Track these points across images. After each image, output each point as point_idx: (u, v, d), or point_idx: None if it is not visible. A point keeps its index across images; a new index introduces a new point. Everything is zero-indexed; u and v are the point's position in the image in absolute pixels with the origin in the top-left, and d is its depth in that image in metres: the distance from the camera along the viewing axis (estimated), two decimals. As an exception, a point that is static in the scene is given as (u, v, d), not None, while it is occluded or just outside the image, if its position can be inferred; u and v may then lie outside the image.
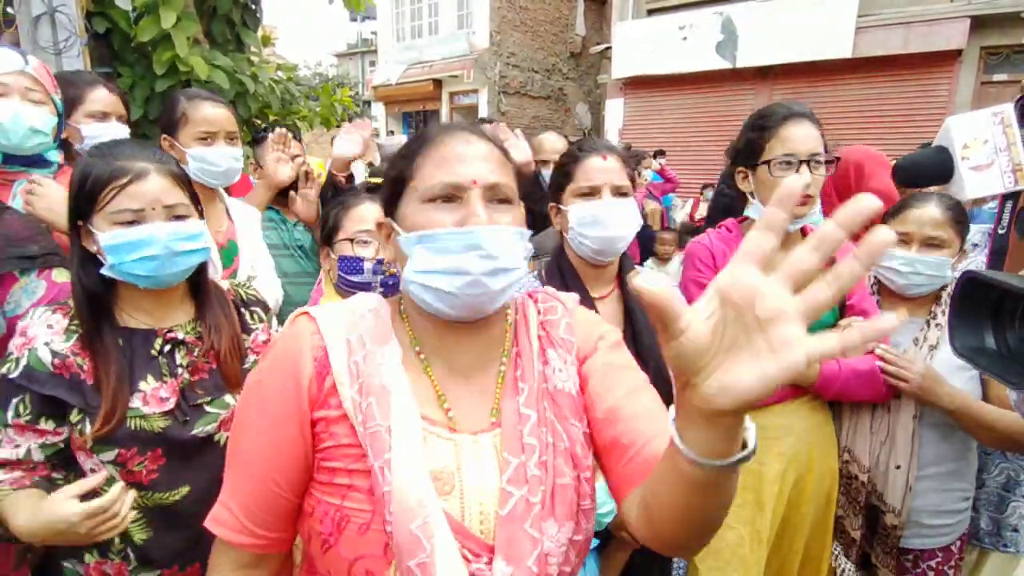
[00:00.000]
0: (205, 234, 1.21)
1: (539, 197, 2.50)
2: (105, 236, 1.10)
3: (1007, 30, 8.84)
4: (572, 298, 0.97)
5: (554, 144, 2.63)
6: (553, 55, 16.64)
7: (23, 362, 1.09)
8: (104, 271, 1.13)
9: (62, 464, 1.18)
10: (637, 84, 12.39)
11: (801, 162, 1.44)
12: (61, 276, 1.43)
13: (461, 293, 0.78)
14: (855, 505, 1.63)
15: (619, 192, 1.41)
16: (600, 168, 1.41)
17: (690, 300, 1.54)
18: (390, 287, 1.46)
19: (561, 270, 1.46)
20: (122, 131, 1.97)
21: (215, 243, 1.91)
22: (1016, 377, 0.82)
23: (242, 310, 1.35)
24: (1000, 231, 1.57)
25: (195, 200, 1.23)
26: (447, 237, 0.78)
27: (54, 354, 1.11)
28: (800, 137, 1.46)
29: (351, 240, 1.48)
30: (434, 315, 0.83)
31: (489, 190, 0.81)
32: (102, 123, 1.91)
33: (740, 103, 10.51)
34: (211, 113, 1.85)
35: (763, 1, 10.54)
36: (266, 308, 1.41)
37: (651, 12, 12.09)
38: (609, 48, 12.85)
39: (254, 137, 2.51)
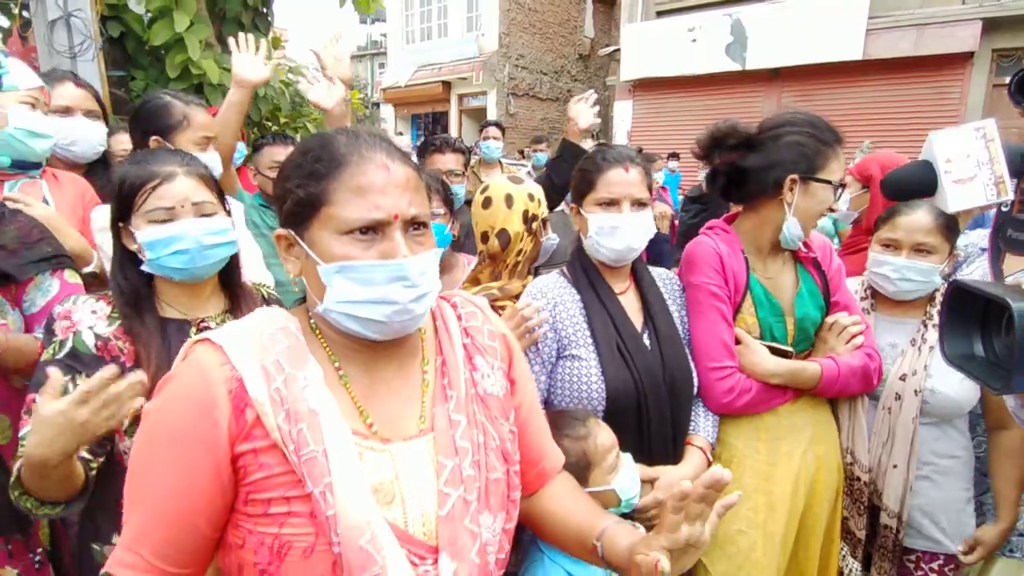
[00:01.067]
0: (230, 230, 1.29)
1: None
2: (143, 234, 1.20)
3: (1019, 32, 8.78)
4: (484, 302, 1.02)
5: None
6: (562, 57, 16.66)
7: (68, 344, 1.17)
8: (145, 267, 1.22)
9: (95, 447, 1.19)
10: (646, 86, 12.38)
11: (837, 186, 1.51)
12: (73, 277, 1.48)
13: (390, 321, 0.81)
14: (858, 505, 1.64)
15: (638, 203, 1.45)
16: (622, 181, 1.43)
17: (695, 305, 1.54)
18: None
19: (584, 268, 1.51)
20: (88, 126, 2.00)
21: None
22: (999, 382, 0.83)
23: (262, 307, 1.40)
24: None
25: (221, 199, 1.32)
26: (372, 269, 0.78)
27: (97, 337, 1.18)
28: (842, 166, 1.52)
29: None
30: (358, 337, 0.84)
31: (408, 221, 0.81)
32: (66, 118, 1.95)
33: (749, 105, 10.48)
34: (207, 120, 1.90)
35: (773, 3, 10.51)
36: (282, 306, 1.44)
37: (660, 14, 12.08)
38: (618, 50, 12.85)
39: (254, 146, 2.55)
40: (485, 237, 1.61)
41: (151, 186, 1.20)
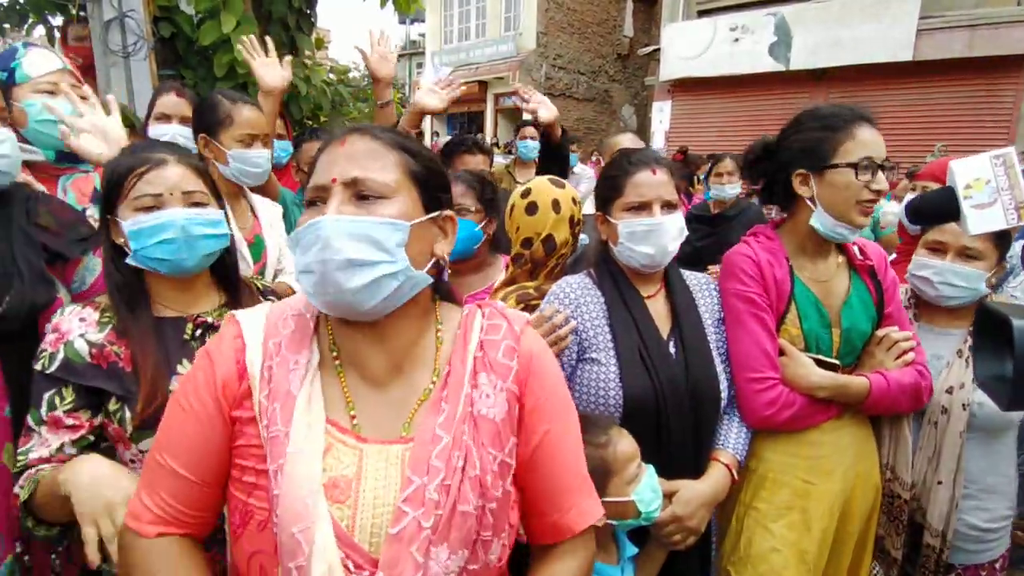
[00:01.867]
0: (223, 222, 1.24)
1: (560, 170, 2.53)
2: (128, 223, 1.14)
3: (1084, 32, 8.33)
4: (521, 319, 0.93)
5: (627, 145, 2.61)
6: (600, 57, 16.54)
7: (60, 356, 1.12)
8: (129, 260, 1.17)
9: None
10: (685, 86, 12.20)
11: (878, 166, 1.39)
12: None
13: (317, 292, 0.79)
14: (897, 524, 1.57)
15: (668, 205, 1.41)
16: (650, 183, 1.40)
17: (733, 315, 1.48)
18: None
19: (610, 271, 1.47)
20: (177, 131, 2.09)
21: (244, 239, 2.00)
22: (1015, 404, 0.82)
23: (260, 300, 1.38)
24: None
25: (216, 193, 1.26)
26: (299, 234, 0.79)
27: (90, 344, 1.14)
28: (875, 140, 1.40)
29: None
30: (335, 316, 0.85)
31: (351, 185, 0.78)
32: (162, 124, 2.08)
33: (792, 107, 10.10)
34: (252, 116, 1.93)
35: (819, 2, 10.22)
36: (279, 297, 1.44)
37: (702, 13, 11.88)
38: (657, 50, 12.69)
39: (297, 140, 2.60)
40: (528, 242, 1.59)
41: (140, 171, 1.15)
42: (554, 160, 2.56)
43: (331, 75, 4.46)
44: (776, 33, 10.64)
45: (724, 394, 1.44)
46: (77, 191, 1.71)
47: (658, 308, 1.46)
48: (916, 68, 9.43)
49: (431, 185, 0.85)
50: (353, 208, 0.78)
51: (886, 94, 9.67)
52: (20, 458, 1.11)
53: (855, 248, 1.55)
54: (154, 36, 3.16)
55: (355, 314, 0.81)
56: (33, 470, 1.09)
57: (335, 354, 0.86)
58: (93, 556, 0.93)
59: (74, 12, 3.33)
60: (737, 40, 11.10)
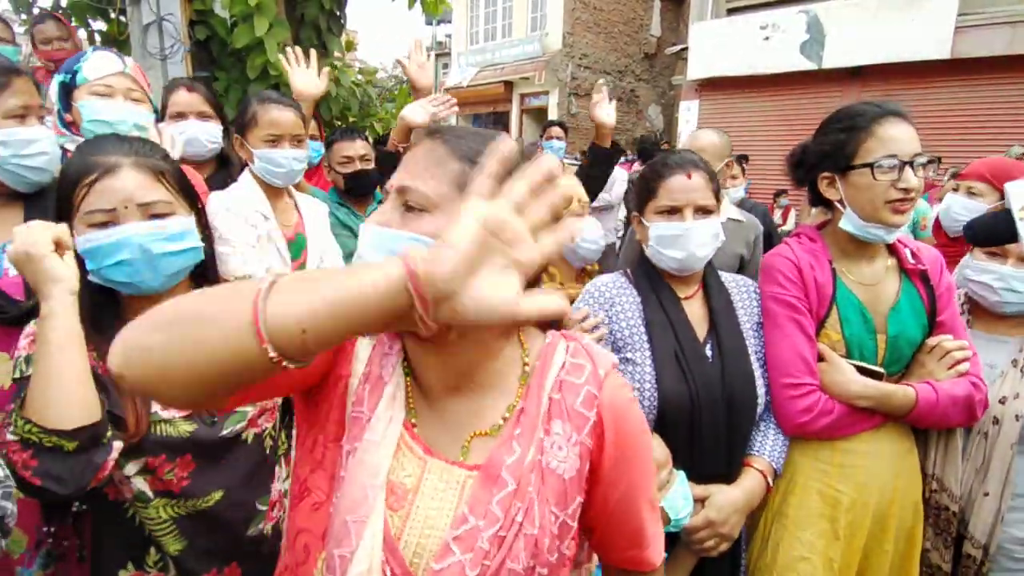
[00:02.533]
0: (192, 233, 1.11)
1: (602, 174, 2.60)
2: (80, 240, 1.02)
3: None
4: (607, 360, 0.84)
5: (712, 140, 2.63)
6: (626, 56, 16.41)
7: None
8: (91, 278, 1.05)
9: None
10: (714, 85, 12.02)
11: (904, 163, 1.34)
12: None
13: None
14: (944, 537, 1.52)
15: (702, 211, 1.38)
16: (683, 187, 1.38)
17: (771, 318, 1.44)
18: None
19: (647, 272, 1.47)
20: (196, 126, 2.12)
21: (283, 237, 2.02)
22: None
23: None
24: None
25: (187, 194, 1.13)
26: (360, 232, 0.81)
27: None
28: (901, 136, 1.35)
29: None
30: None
31: (401, 193, 0.76)
32: (179, 122, 2.10)
33: (826, 105, 9.91)
34: (278, 116, 1.95)
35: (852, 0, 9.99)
36: None
37: (731, 11, 11.70)
38: (685, 49, 12.53)
39: (328, 140, 2.63)
40: None
41: (88, 181, 1.01)
42: (600, 169, 2.59)
43: (360, 76, 4.50)
44: (808, 31, 10.42)
45: (761, 400, 1.41)
46: None
47: (695, 310, 1.44)
48: (954, 66, 9.12)
49: None
50: (396, 217, 0.75)
51: (923, 93, 9.38)
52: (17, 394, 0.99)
53: (907, 251, 1.48)
54: (190, 39, 3.23)
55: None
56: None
57: (406, 354, 0.82)
58: None
59: (114, 16, 3.43)
60: (767, 38, 10.90)
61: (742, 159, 9.45)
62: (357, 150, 2.48)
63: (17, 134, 1.29)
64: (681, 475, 1.26)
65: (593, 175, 2.61)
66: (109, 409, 1.02)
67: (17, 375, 1.04)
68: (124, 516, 1.13)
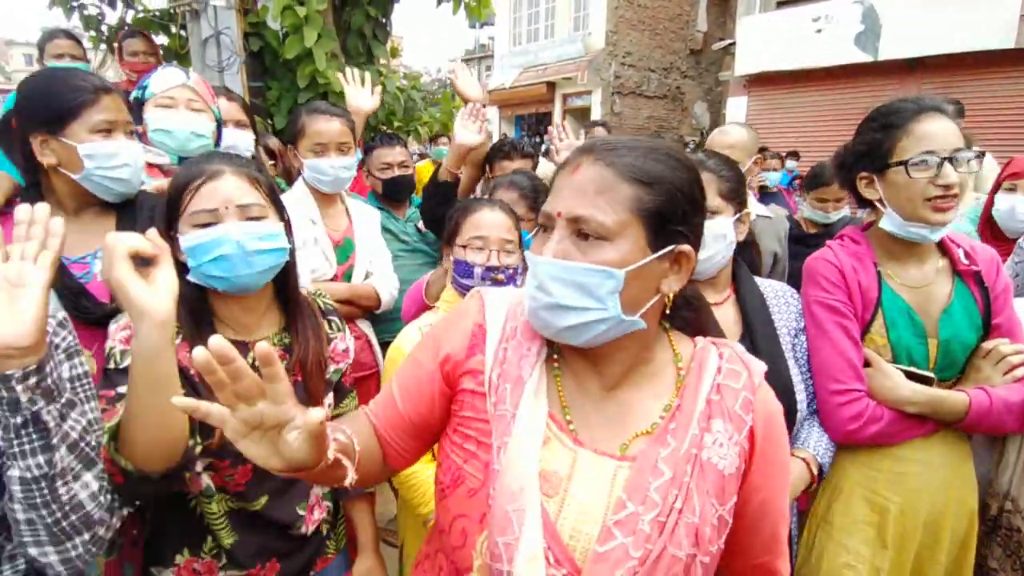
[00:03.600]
0: (281, 235, 1.20)
1: None
2: (184, 239, 1.12)
3: None
4: (760, 368, 0.88)
5: (723, 137, 2.58)
6: (671, 53, 16.13)
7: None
8: (189, 277, 1.13)
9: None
10: (763, 81, 11.69)
11: (943, 159, 1.29)
12: None
13: (531, 319, 0.84)
14: (1013, 560, 1.44)
15: (709, 212, 1.33)
16: None
17: (815, 323, 1.41)
18: None
19: None
20: (234, 135, 2.19)
21: (331, 241, 2.10)
22: None
23: (321, 320, 1.36)
24: None
25: (277, 204, 1.23)
26: (528, 259, 0.83)
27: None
28: (938, 132, 1.30)
29: (464, 246, 1.54)
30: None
31: (573, 222, 0.77)
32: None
33: (882, 99, 9.46)
34: (323, 127, 2.05)
35: (913, -14, 9.53)
36: (340, 317, 1.44)
37: (780, 4, 11.36)
38: (732, 44, 12.24)
39: (365, 148, 2.70)
40: None
41: (195, 185, 1.12)
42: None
43: (404, 81, 4.60)
44: (863, 21, 10.01)
45: (802, 406, 1.38)
46: None
47: (726, 315, 1.41)
48: (1019, 57, 8.60)
49: (666, 219, 0.78)
50: (572, 247, 0.77)
51: (985, 85, 8.87)
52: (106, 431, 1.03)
53: (960, 251, 1.42)
54: (245, 51, 3.38)
55: (569, 343, 0.84)
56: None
57: (555, 356, 0.89)
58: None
59: (176, 31, 3.62)
60: (819, 31, 10.53)
61: (793, 155, 9.16)
62: (396, 156, 2.55)
63: (103, 147, 1.37)
64: None
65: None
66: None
67: (112, 366, 1.12)
68: (187, 506, 1.22)
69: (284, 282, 1.27)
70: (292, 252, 1.26)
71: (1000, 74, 8.87)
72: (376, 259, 2.22)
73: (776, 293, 1.48)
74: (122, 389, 1.05)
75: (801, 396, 1.39)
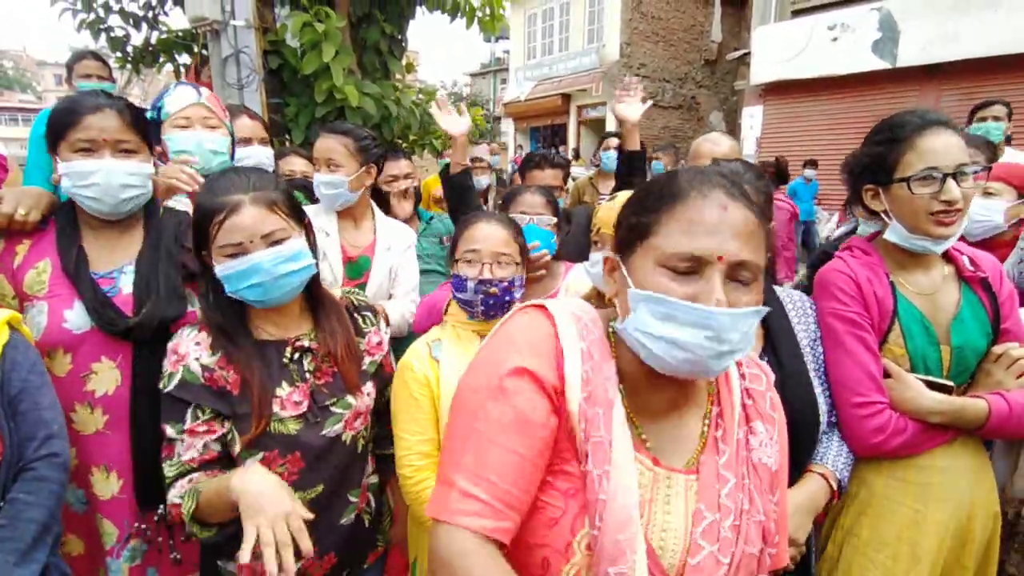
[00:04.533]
0: (305, 251, 1.28)
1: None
2: (219, 268, 1.22)
3: None
4: (769, 370, 0.96)
5: (715, 146, 2.45)
6: (686, 63, 16.14)
7: (178, 376, 1.24)
8: (228, 292, 1.25)
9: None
10: (779, 89, 11.63)
11: (946, 176, 1.30)
12: None
13: (680, 365, 0.76)
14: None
15: None
16: None
17: (832, 336, 1.41)
18: (490, 306, 1.51)
19: None
20: (259, 152, 2.30)
21: (343, 255, 2.14)
22: None
23: (354, 315, 1.46)
24: None
25: (296, 213, 1.30)
26: (677, 307, 0.74)
27: (203, 368, 1.24)
28: (941, 148, 1.30)
29: (458, 259, 1.55)
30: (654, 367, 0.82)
31: (735, 268, 0.75)
32: (245, 147, 2.25)
33: (901, 106, 9.37)
34: (321, 144, 2.13)
35: (931, -8, 9.44)
36: (375, 312, 1.52)
37: (796, 13, 11.32)
38: (747, 54, 12.21)
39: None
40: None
41: (218, 220, 1.20)
42: (632, 171, 2.55)
43: (420, 96, 4.66)
44: (880, 28, 9.92)
45: (823, 419, 1.36)
46: None
47: None
48: (1045, 60, 8.46)
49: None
50: (736, 293, 0.75)
51: (1008, 89, 8.72)
52: (173, 465, 1.23)
53: (964, 258, 1.42)
54: (264, 69, 3.45)
55: (685, 377, 0.81)
56: (186, 480, 1.22)
57: (619, 377, 0.85)
58: (245, 555, 0.98)
59: (198, 51, 3.72)
60: (836, 39, 10.47)
61: (811, 164, 9.06)
62: (402, 169, 2.59)
63: (76, 166, 1.40)
64: None
65: (635, 183, 2.56)
66: (233, 412, 1.24)
67: (163, 387, 1.26)
68: None
69: (310, 285, 1.35)
70: (317, 264, 1.34)
71: (1023, 79, 8.72)
72: (399, 279, 2.23)
73: (794, 302, 1.47)
74: (172, 432, 1.24)
75: (823, 408, 1.37)
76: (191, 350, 1.26)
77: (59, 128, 1.40)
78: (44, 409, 1.17)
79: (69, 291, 1.42)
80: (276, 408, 1.27)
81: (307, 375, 1.33)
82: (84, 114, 1.40)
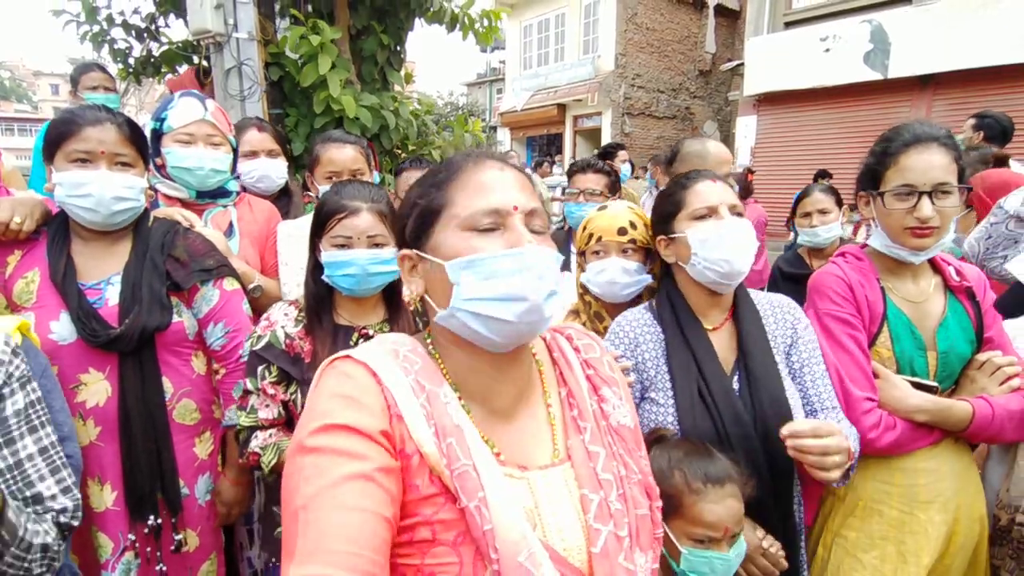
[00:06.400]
0: (395, 259, 1.40)
1: None
2: (325, 254, 1.45)
3: None
4: (597, 337, 1.01)
5: (723, 150, 2.36)
6: (680, 74, 16.31)
7: (265, 339, 1.48)
8: (324, 277, 1.46)
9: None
10: (772, 100, 11.77)
11: (922, 193, 1.35)
12: (231, 284, 1.68)
13: (519, 321, 0.76)
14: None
15: (736, 210, 1.34)
16: (714, 189, 1.35)
17: (828, 336, 1.47)
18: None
19: (672, 302, 1.41)
20: (268, 164, 2.28)
21: None
22: None
23: (416, 319, 1.61)
24: None
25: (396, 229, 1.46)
26: (501, 259, 0.75)
27: (286, 335, 1.48)
28: (921, 167, 1.35)
29: None
30: (474, 348, 0.81)
31: (528, 216, 0.80)
32: (251, 160, 2.26)
33: (894, 116, 9.57)
34: (335, 155, 2.10)
35: (921, 5, 9.60)
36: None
37: (788, 24, 11.48)
38: (741, 64, 12.36)
39: (397, 169, 2.78)
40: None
41: (339, 217, 1.43)
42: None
43: (418, 106, 4.70)
44: (872, 40, 10.07)
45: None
46: (215, 224, 1.93)
47: (723, 340, 1.38)
48: (1035, 69, 8.60)
49: None
50: (536, 238, 0.79)
51: (1002, 99, 8.86)
52: (250, 415, 1.48)
53: (951, 269, 1.49)
54: (266, 80, 3.50)
55: (522, 342, 0.82)
56: (267, 435, 1.48)
57: (458, 393, 0.82)
58: None
59: (199, 62, 3.76)
60: (828, 50, 10.61)
61: (824, 175, 9.00)
62: None
63: (71, 176, 1.41)
64: (730, 554, 1.13)
65: None
66: (302, 376, 1.45)
67: (250, 345, 1.52)
68: None
69: (391, 288, 1.55)
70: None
71: (1015, 88, 8.85)
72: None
73: (773, 306, 1.45)
74: (249, 384, 1.49)
75: (799, 415, 1.35)
76: (280, 319, 1.50)
77: (57, 138, 1.43)
78: (56, 412, 1.20)
79: (56, 301, 1.43)
80: None
81: None
82: (83, 125, 1.42)
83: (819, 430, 1.12)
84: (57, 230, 1.50)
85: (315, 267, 1.49)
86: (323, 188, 2.12)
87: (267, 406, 1.47)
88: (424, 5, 4.22)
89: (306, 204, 2.55)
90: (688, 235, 1.34)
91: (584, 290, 1.67)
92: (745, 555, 1.18)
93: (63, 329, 1.42)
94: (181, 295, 1.59)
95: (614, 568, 0.76)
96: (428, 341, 0.88)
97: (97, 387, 1.45)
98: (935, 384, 1.41)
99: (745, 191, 5.86)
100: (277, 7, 3.77)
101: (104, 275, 1.50)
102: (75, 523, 1.13)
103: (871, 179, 1.46)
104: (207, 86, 3.54)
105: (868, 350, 1.44)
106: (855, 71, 10.28)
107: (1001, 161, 3.21)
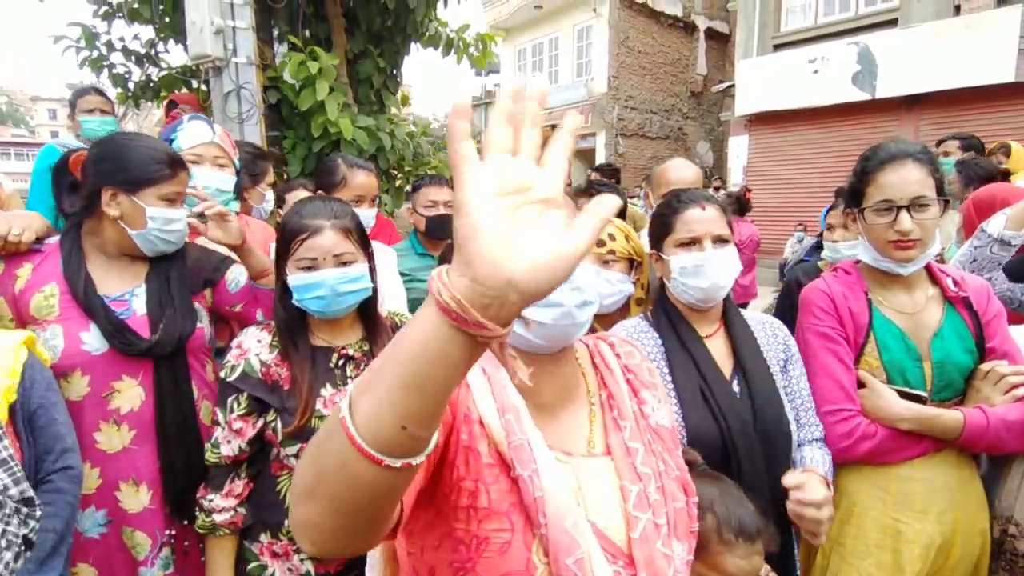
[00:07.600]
0: (365, 276, 1.43)
1: None
2: (291, 278, 1.39)
3: None
4: (639, 346, 1.06)
5: (682, 173, 2.49)
6: (673, 95, 16.57)
7: (239, 368, 1.39)
8: (294, 301, 1.41)
9: (252, 458, 1.44)
10: (763, 120, 11.97)
11: (900, 208, 1.40)
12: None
13: (555, 324, 0.85)
14: (1018, 584, 1.45)
15: (719, 240, 1.40)
16: (699, 218, 1.40)
17: (807, 351, 1.51)
18: None
19: (667, 312, 1.47)
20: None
21: None
22: None
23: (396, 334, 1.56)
24: None
25: (364, 245, 1.45)
26: None
27: (261, 363, 1.40)
28: (897, 183, 1.40)
29: None
30: (519, 347, 0.88)
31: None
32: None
33: (881, 134, 9.69)
34: (364, 180, 2.22)
35: (907, 27, 9.82)
36: None
37: (778, 47, 11.72)
38: (732, 86, 12.57)
39: (415, 185, 2.80)
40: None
41: (302, 237, 1.37)
42: None
43: (413, 127, 4.76)
44: (860, 62, 10.29)
45: (794, 435, 1.40)
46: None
47: (718, 348, 1.43)
48: (1019, 89, 8.78)
49: None
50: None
51: (985, 118, 9.04)
52: (214, 450, 1.39)
53: (948, 280, 1.51)
54: (263, 103, 3.55)
55: (561, 345, 0.90)
56: (229, 516, 1.38)
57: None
58: None
59: (198, 86, 3.82)
60: (816, 72, 10.83)
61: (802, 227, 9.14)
62: (443, 196, 2.64)
63: (166, 214, 1.51)
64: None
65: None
66: (282, 404, 1.36)
67: (223, 376, 1.41)
68: (275, 490, 1.41)
69: (367, 305, 1.50)
70: (375, 286, 1.48)
71: (1000, 108, 9.04)
72: (388, 297, 2.29)
73: (761, 325, 1.51)
74: (220, 416, 1.40)
75: (793, 425, 1.40)
76: (252, 346, 1.42)
77: (154, 178, 1.50)
78: (60, 424, 1.23)
79: (81, 315, 1.46)
80: (319, 406, 1.38)
81: (348, 380, 1.43)
82: (178, 169, 1.54)
83: (824, 503, 1.17)
84: (71, 247, 1.52)
85: (283, 291, 1.42)
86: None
87: (229, 442, 1.38)
88: (420, 30, 4.30)
89: None
90: (671, 261, 1.43)
91: None
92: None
93: (94, 340, 1.46)
94: (202, 297, 1.66)
95: (653, 553, 0.81)
96: None
97: (131, 393, 1.49)
98: (923, 393, 1.42)
99: (743, 208, 6.00)
100: (276, 33, 3.84)
101: (127, 287, 1.55)
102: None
103: (854, 197, 1.51)
104: (205, 110, 3.58)
105: (853, 361, 1.47)
106: (843, 92, 10.48)
107: (1005, 176, 3.28)
